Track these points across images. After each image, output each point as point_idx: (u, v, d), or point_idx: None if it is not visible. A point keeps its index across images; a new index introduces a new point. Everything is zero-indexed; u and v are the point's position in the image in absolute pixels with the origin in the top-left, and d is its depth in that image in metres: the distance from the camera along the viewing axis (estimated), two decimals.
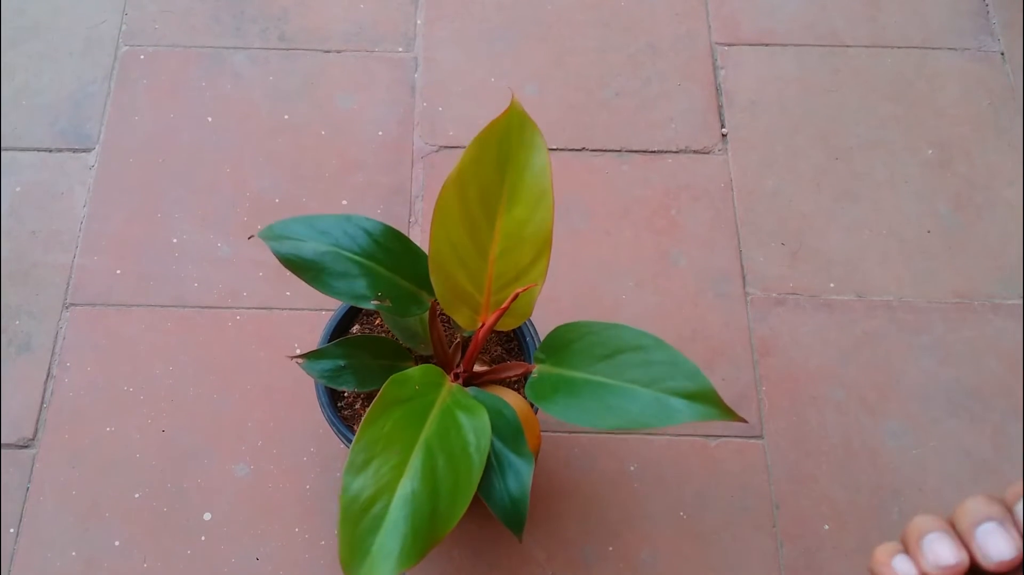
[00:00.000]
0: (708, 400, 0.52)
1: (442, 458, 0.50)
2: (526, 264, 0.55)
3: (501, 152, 0.52)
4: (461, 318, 0.57)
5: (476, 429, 0.52)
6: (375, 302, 0.56)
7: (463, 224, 0.53)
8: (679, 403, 0.52)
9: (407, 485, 0.49)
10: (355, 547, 0.47)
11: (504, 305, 0.55)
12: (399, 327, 0.64)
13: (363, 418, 0.50)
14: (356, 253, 0.57)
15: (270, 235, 0.57)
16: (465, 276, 0.55)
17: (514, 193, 0.53)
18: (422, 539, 0.48)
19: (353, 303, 0.57)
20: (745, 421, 0.52)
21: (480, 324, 0.58)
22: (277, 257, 0.56)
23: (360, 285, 0.56)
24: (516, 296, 0.54)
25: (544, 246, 0.54)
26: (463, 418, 0.53)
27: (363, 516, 0.48)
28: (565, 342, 0.56)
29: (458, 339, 0.66)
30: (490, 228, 0.54)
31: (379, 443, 0.50)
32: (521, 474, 0.55)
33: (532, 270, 0.55)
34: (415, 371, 0.55)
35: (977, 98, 0.94)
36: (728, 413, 0.51)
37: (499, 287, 0.56)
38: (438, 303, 0.58)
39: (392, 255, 0.58)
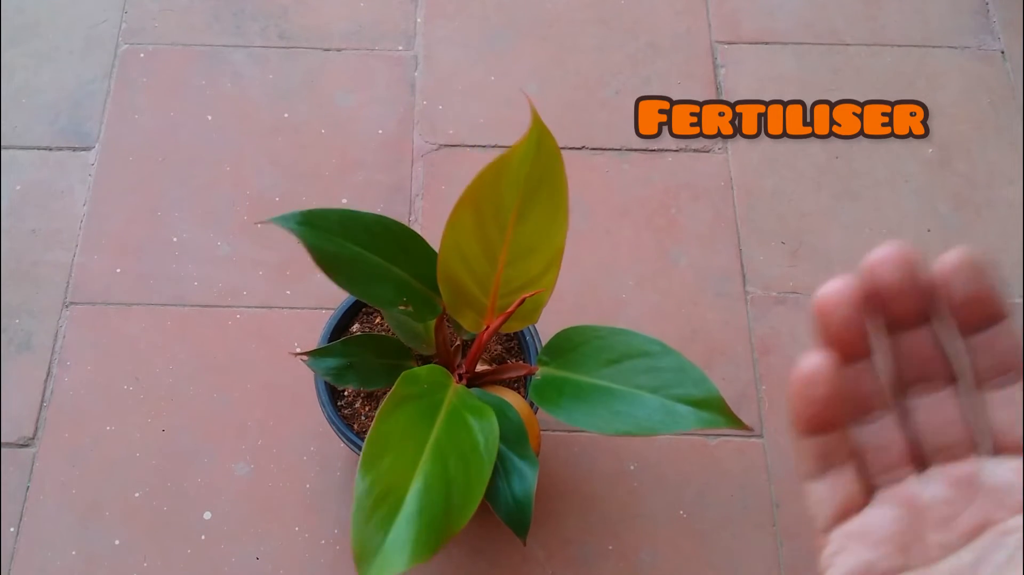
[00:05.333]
0: (715, 407, 0.52)
1: (453, 456, 0.50)
2: (535, 274, 0.54)
3: (519, 172, 0.50)
4: (466, 321, 0.57)
5: (484, 430, 0.52)
6: (401, 307, 0.56)
7: (474, 236, 0.52)
8: (685, 410, 0.52)
9: (420, 480, 0.49)
10: (368, 540, 0.47)
11: (510, 310, 0.54)
12: (402, 327, 0.63)
13: (376, 413, 0.50)
14: (384, 256, 0.56)
15: (302, 221, 0.54)
16: (472, 282, 0.55)
17: (528, 208, 0.52)
18: (436, 533, 0.48)
19: (379, 307, 0.56)
20: (750, 428, 0.52)
21: (484, 327, 0.58)
22: (310, 250, 0.53)
23: (388, 289, 0.56)
24: (523, 301, 0.54)
25: (555, 259, 0.54)
26: (471, 419, 0.53)
27: (376, 510, 0.48)
28: (571, 345, 0.56)
29: (458, 342, 0.66)
30: (501, 239, 0.53)
31: (392, 438, 0.50)
32: (525, 477, 0.55)
33: (541, 280, 0.55)
34: (422, 371, 0.55)
35: (977, 97, 0.94)
36: (735, 421, 0.51)
37: (506, 293, 0.56)
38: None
39: (412, 258, 0.57)
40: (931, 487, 0.27)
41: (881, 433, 0.27)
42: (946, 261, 0.25)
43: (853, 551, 0.27)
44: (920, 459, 0.27)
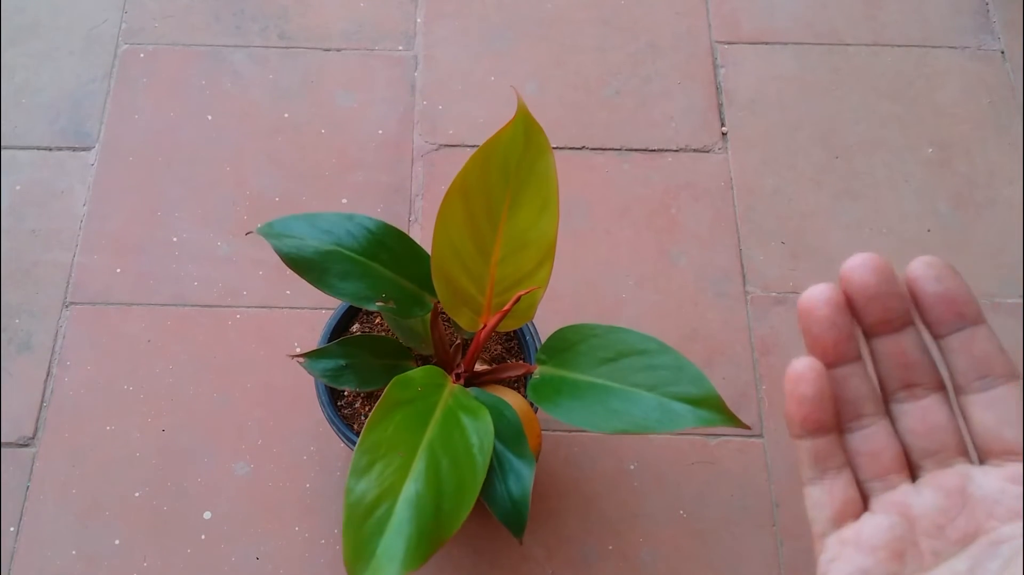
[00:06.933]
0: (712, 406, 0.51)
1: (446, 460, 0.50)
2: (529, 269, 0.55)
3: (507, 159, 0.51)
4: (463, 320, 0.57)
5: (479, 430, 0.52)
6: (379, 303, 0.56)
7: (466, 229, 0.52)
8: (683, 408, 0.52)
9: (411, 487, 0.49)
10: (360, 550, 0.47)
11: (506, 307, 0.54)
12: (400, 327, 0.64)
13: (366, 421, 0.50)
14: (359, 253, 0.57)
15: (270, 232, 0.57)
16: (467, 279, 0.55)
17: (518, 199, 0.52)
18: (427, 540, 0.48)
19: (356, 304, 0.57)
20: (748, 427, 0.52)
21: (481, 325, 0.58)
22: (280, 256, 0.56)
23: (363, 286, 0.56)
24: (518, 298, 0.54)
25: (548, 252, 0.54)
26: (466, 420, 0.53)
27: (368, 519, 0.48)
28: (568, 344, 0.56)
29: (459, 341, 0.66)
30: (493, 233, 0.53)
31: (382, 446, 0.50)
32: (522, 476, 0.55)
33: (535, 275, 0.55)
34: (417, 373, 0.55)
35: (977, 97, 0.94)
36: (732, 419, 0.51)
37: (501, 290, 0.56)
38: (439, 303, 0.58)
39: (395, 255, 0.58)
40: (923, 496, 0.27)
41: (873, 439, 0.28)
42: (915, 264, 0.26)
43: (849, 558, 0.27)
44: (910, 465, 0.28)
